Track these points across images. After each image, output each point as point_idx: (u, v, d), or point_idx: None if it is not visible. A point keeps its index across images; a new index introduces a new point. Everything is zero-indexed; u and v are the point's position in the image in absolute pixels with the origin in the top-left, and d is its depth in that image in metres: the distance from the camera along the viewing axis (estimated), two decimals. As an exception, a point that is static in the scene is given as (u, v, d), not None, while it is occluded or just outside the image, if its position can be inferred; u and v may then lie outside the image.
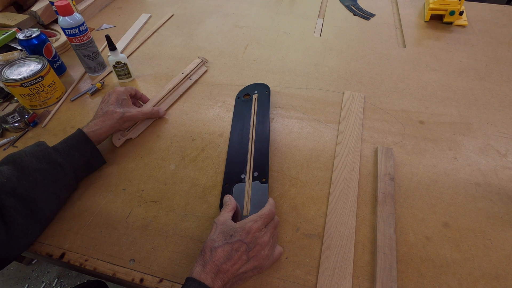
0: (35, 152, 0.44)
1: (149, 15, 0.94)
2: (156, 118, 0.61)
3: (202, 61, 0.73)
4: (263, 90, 0.64)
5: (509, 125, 0.58)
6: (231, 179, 0.49)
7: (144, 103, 0.62)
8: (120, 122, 0.53)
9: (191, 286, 0.33)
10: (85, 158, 0.48)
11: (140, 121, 0.59)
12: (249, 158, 0.51)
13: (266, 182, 0.47)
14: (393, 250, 0.40)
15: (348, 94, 0.64)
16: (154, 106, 0.62)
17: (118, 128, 0.53)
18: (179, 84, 0.68)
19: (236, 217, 0.43)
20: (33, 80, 0.59)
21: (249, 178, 0.48)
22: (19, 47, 0.72)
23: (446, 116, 0.60)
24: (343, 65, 0.74)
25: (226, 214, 0.41)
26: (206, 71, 0.73)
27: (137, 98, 0.62)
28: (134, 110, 0.56)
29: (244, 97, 0.64)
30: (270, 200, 0.42)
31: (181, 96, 0.66)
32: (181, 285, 0.34)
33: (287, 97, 0.65)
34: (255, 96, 0.63)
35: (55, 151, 0.45)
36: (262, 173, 0.48)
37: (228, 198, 0.44)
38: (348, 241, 0.42)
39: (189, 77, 0.69)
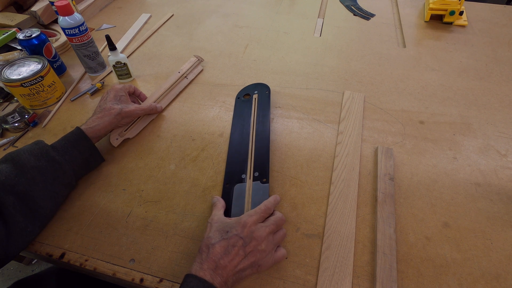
0: (33, 150, 0.44)
1: (149, 15, 0.94)
2: (154, 114, 0.61)
3: (198, 59, 0.73)
4: (263, 90, 0.64)
5: (509, 125, 0.58)
6: (232, 179, 0.49)
7: (143, 102, 0.63)
8: (118, 118, 0.53)
9: (191, 282, 0.33)
10: (83, 155, 0.48)
11: (138, 120, 0.59)
12: (249, 158, 0.51)
13: (267, 182, 0.47)
14: (393, 250, 0.40)
15: (348, 94, 0.64)
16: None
17: (116, 124, 0.53)
18: (176, 83, 0.68)
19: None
20: (33, 80, 0.59)
21: (250, 178, 0.48)
22: (19, 47, 0.72)
23: (446, 116, 0.60)
24: (343, 65, 0.73)
25: (218, 212, 0.41)
26: (201, 70, 0.73)
27: (136, 96, 0.62)
28: (132, 106, 0.56)
29: (244, 97, 0.64)
30: (271, 197, 0.43)
31: (179, 95, 0.66)
32: (180, 284, 0.34)
33: (287, 97, 0.65)
34: (255, 96, 0.63)
35: (53, 149, 0.45)
36: (262, 173, 0.48)
37: (216, 198, 0.45)
38: (348, 241, 0.42)
39: (185, 77, 0.69)
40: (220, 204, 0.43)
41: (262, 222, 0.39)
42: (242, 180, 0.48)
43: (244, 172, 0.49)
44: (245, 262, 0.36)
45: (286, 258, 0.41)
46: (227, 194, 0.47)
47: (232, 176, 0.49)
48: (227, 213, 0.44)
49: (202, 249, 0.36)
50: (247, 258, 0.36)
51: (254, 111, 0.59)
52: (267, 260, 0.38)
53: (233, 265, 0.35)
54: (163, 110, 0.63)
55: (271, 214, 0.41)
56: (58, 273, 0.56)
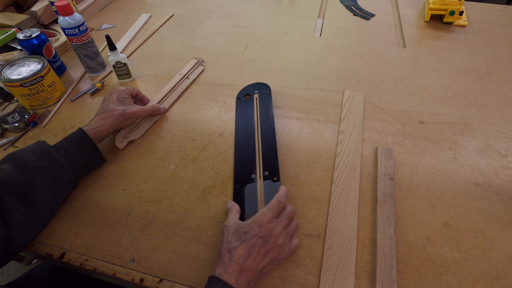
0: (34, 150, 0.44)
1: (149, 15, 0.94)
2: (157, 116, 0.61)
3: (198, 61, 0.73)
4: (263, 89, 0.64)
5: (509, 125, 0.58)
6: (242, 180, 0.49)
7: (145, 105, 0.63)
8: (121, 120, 0.53)
9: (215, 285, 0.33)
10: (84, 156, 0.48)
11: (142, 122, 0.59)
12: (257, 157, 0.51)
13: (278, 180, 0.47)
14: (393, 250, 0.40)
15: (348, 93, 0.64)
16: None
17: (119, 125, 0.53)
18: (177, 85, 0.68)
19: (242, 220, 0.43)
20: (33, 80, 0.59)
21: (260, 178, 0.48)
22: (19, 47, 0.72)
23: (446, 116, 0.60)
24: (343, 65, 0.74)
25: (234, 217, 0.42)
26: (203, 70, 0.73)
27: (138, 99, 0.62)
28: (135, 108, 0.56)
29: (244, 97, 0.64)
30: (281, 190, 0.43)
31: (180, 96, 0.66)
32: (205, 285, 0.34)
33: (287, 97, 0.65)
34: (256, 96, 0.63)
35: (54, 149, 0.45)
36: (272, 171, 0.49)
37: (230, 203, 0.45)
38: (350, 240, 0.42)
39: (186, 77, 0.70)
40: (236, 209, 0.43)
41: (276, 217, 0.40)
42: (252, 180, 0.48)
43: (254, 172, 0.49)
44: (266, 259, 0.37)
45: (286, 258, 0.41)
46: (238, 195, 0.47)
47: (242, 177, 0.49)
48: (241, 214, 0.44)
49: (223, 254, 0.36)
50: (268, 255, 0.37)
51: (257, 111, 0.59)
52: (285, 253, 0.39)
53: (256, 265, 0.36)
54: (166, 111, 0.63)
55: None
56: (51, 271, 0.56)
